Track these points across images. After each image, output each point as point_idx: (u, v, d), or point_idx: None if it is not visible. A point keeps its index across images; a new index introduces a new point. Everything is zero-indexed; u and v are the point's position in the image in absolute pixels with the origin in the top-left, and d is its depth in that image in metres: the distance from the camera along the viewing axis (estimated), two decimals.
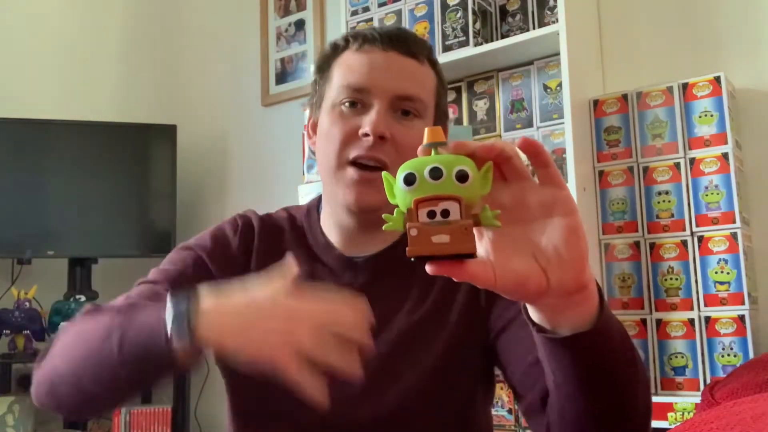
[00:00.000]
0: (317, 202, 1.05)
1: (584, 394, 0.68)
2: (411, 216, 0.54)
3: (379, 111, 0.90)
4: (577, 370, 0.66)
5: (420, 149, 0.57)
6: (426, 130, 0.57)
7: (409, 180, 0.54)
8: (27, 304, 2.40)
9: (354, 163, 0.91)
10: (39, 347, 2.44)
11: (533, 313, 0.65)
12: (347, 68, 0.94)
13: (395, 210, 0.56)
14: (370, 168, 0.90)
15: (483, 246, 0.59)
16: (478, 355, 0.94)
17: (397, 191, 0.56)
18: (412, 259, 0.55)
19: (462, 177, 0.54)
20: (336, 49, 0.97)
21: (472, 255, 0.55)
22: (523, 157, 0.59)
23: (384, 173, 0.58)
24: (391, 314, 0.93)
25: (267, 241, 1.01)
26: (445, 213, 0.54)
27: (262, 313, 0.69)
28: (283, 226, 1.03)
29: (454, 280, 0.57)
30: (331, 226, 0.99)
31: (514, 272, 0.58)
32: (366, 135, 0.89)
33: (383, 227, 0.56)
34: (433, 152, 0.56)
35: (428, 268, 0.55)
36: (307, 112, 1.03)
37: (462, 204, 0.54)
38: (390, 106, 0.91)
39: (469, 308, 0.93)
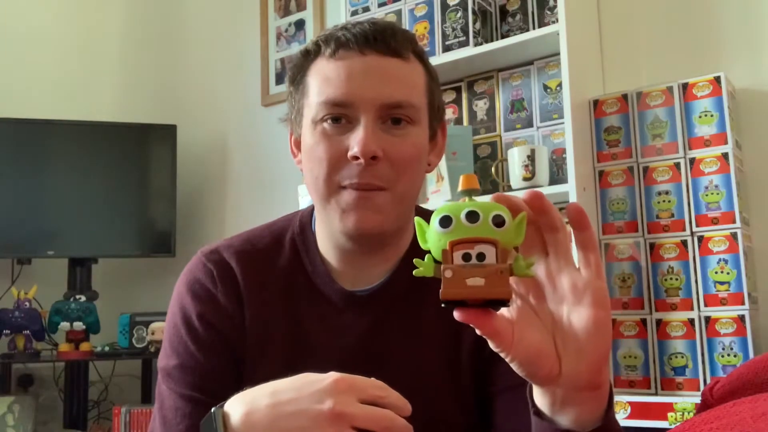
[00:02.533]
0: (310, 215, 0.94)
1: None
2: (446, 258, 0.53)
3: (367, 127, 0.79)
4: None
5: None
6: (461, 177, 0.56)
7: (445, 223, 0.53)
8: (27, 304, 2.40)
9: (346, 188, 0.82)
10: (39, 347, 2.44)
11: (537, 395, 0.62)
12: (323, 80, 0.82)
13: (426, 255, 0.55)
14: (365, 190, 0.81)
15: (508, 312, 0.57)
16: (479, 399, 0.89)
17: (431, 234, 0.54)
18: (443, 304, 0.53)
19: (499, 222, 0.53)
20: (308, 56, 0.86)
21: (507, 301, 0.53)
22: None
23: (417, 219, 0.56)
24: (401, 352, 0.87)
25: (255, 279, 0.89)
26: (481, 256, 0.52)
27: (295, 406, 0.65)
28: (270, 252, 0.91)
29: (477, 331, 0.55)
30: (329, 249, 0.89)
31: (529, 346, 0.56)
32: (356, 158, 0.79)
33: (413, 272, 0.55)
34: (467, 199, 0.56)
35: (456, 315, 0.54)
36: (288, 128, 0.93)
37: (498, 248, 0.52)
38: (378, 117, 0.81)
39: (476, 354, 0.87)
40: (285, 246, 0.92)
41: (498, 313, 0.56)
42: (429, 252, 0.55)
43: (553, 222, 0.56)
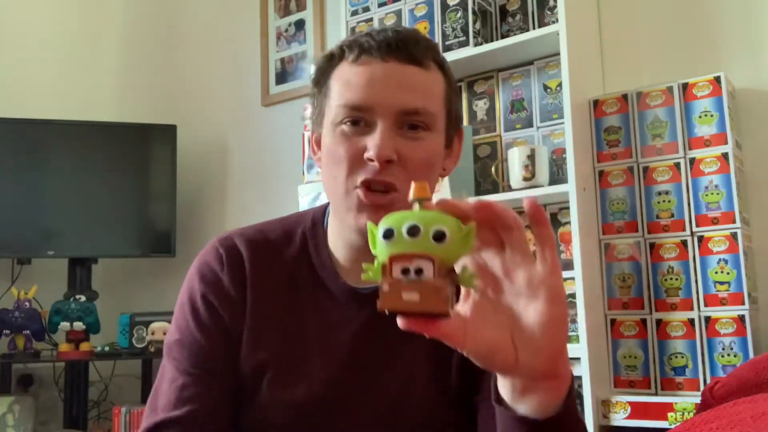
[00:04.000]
0: (323, 213, 0.97)
1: None
2: (384, 271, 0.54)
3: (383, 131, 0.83)
4: None
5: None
6: (412, 184, 0.57)
7: (387, 235, 0.55)
8: (27, 304, 2.40)
9: (362, 185, 0.84)
10: (39, 347, 2.44)
11: (499, 384, 0.64)
12: (345, 84, 0.86)
13: (375, 260, 0.56)
14: (379, 191, 0.84)
15: (465, 307, 0.59)
16: (468, 404, 0.90)
17: (377, 243, 0.56)
18: (386, 311, 0.55)
19: (439, 236, 0.54)
20: (331, 60, 0.90)
21: (444, 315, 0.55)
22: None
23: (369, 224, 0.58)
24: (397, 351, 0.89)
25: (262, 266, 0.93)
26: (419, 271, 0.54)
27: None
28: (280, 244, 0.95)
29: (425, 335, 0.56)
30: (339, 245, 0.92)
31: (485, 340, 0.58)
32: (371, 160, 0.82)
33: (362, 276, 0.56)
34: (417, 207, 0.57)
35: (399, 323, 0.55)
36: (310, 126, 0.96)
37: (436, 264, 0.53)
38: (395, 123, 0.84)
39: (466, 361, 0.89)
40: (295, 239, 0.96)
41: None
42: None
43: (506, 223, 0.58)
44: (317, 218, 0.97)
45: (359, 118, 0.84)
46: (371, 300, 0.89)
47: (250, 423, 0.91)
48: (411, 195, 0.58)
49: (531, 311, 0.58)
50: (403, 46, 0.85)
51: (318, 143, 0.93)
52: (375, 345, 0.89)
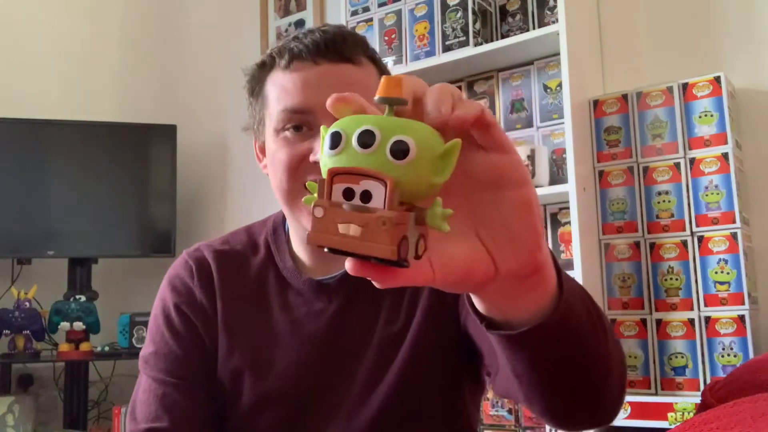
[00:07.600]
0: (283, 216, 0.99)
1: (547, 383, 0.60)
2: (321, 190, 0.40)
3: None
4: (537, 364, 0.58)
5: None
6: (382, 79, 0.43)
7: (334, 142, 0.40)
8: (27, 304, 2.40)
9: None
10: (39, 347, 2.44)
11: (479, 304, 0.54)
12: (282, 91, 0.86)
13: (319, 180, 0.41)
14: None
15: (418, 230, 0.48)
16: (456, 350, 0.89)
17: (321, 154, 0.41)
18: (320, 247, 0.41)
19: (398, 152, 0.38)
20: (263, 68, 0.90)
21: (391, 261, 0.40)
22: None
23: (322, 126, 0.45)
24: (369, 332, 0.91)
25: (229, 276, 0.96)
26: (367, 195, 0.39)
27: None
28: (245, 252, 0.98)
29: (376, 284, 0.44)
30: (300, 246, 0.95)
31: (455, 262, 0.47)
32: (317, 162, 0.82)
33: (303, 199, 0.44)
34: (387, 111, 0.42)
35: (347, 266, 0.42)
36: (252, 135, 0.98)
37: (388, 189, 0.39)
38: None
39: (437, 307, 0.89)
40: (260, 246, 0.98)
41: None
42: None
43: (485, 121, 0.46)
44: (278, 222, 0.99)
45: (301, 123, 0.85)
46: (339, 290, 0.92)
47: (235, 428, 0.93)
48: (378, 92, 0.42)
49: (498, 204, 0.48)
50: (332, 46, 0.85)
51: (262, 151, 0.95)
52: (346, 333, 0.91)
